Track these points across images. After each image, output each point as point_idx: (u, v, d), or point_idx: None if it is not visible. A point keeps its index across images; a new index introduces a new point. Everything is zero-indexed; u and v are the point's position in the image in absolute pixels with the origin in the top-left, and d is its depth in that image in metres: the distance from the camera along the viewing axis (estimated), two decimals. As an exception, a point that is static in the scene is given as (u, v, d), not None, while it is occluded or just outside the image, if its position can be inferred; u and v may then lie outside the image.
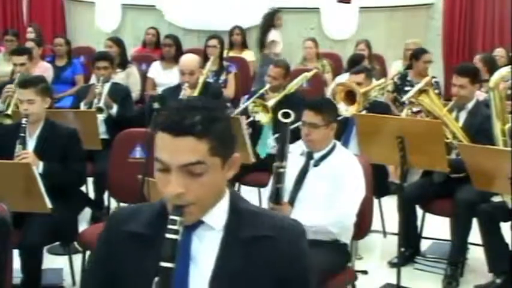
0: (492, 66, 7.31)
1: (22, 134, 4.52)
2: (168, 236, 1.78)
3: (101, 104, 5.99)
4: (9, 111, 5.65)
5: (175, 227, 1.78)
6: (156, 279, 1.77)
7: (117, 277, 1.95)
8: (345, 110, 5.52)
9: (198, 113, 1.79)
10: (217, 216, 1.90)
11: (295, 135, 4.22)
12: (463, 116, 5.17)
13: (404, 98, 5.70)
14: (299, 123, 4.16)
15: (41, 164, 4.46)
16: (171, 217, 1.80)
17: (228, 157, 1.86)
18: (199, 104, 1.84)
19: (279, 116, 3.91)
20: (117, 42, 8.09)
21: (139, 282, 1.89)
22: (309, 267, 2.00)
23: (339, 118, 4.37)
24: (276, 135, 5.37)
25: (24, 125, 4.54)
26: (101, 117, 5.89)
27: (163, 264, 1.76)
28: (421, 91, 5.22)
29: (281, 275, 1.89)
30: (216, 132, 1.80)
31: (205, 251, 1.89)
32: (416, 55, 7.56)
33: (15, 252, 3.94)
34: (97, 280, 2.02)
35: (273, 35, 9.63)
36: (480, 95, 6.06)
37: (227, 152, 1.86)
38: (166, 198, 1.84)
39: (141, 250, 1.91)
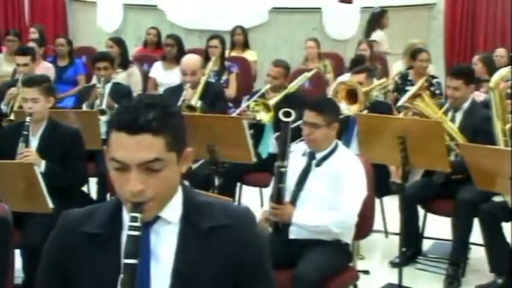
0: (492, 66, 7.32)
1: (25, 132, 4.53)
2: (129, 232, 1.81)
3: (103, 106, 5.99)
4: (12, 117, 5.67)
5: (136, 224, 1.81)
6: (121, 276, 1.79)
7: (72, 278, 1.96)
8: (347, 109, 5.53)
9: (151, 110, 1.81)
10: (173, 210, 1.93)
11: (297, 135, 4.21)
12: (459, 116, 5.19)
13: (400, 102, 5.72)
14: (300, 122, 4.16)
15: (43, 163, 4.48)
16: (132, 214, 1.82)
17: (182, 152, 1.90)
18: (152, 101, 1.85)
19: (280, 115, 3.91)
20: (118, 42, 8.07)
21: (97, 282, 1.90)
22: (264, 251, 2.02)
23: (341, 117, 4.37)
24: (278, 133, 5.36)
25: (27, 123, 4.55)
26: (103, 118, 5.90)
27: (127, 261, 1.79)
28: (415, 95, 5.24)
29: (238, 261, 1.93)
30: (171, 128, 1.83)
31: (164, 245, 1.91)
32: (413, 54, 7.62)
33: (17, 252, 3.95)
34: (51, 283, 2.03)
35: (376, 35, 9.73)
36: (479, 95, 6.06)
37: (181, 146, 1.89)
38: (124, 196, 1.85)
39: (97, 250, 1.92)
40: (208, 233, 1.91)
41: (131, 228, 1.81)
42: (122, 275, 1.79)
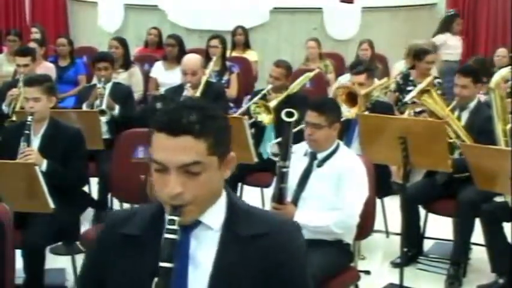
0: (485, 68, 7.30)
1: (27, 132, 4.53)
2: (166, 236, 1.79)
3: (103, 106, 5.99)
4: (14, 118, 5.67)
5: (174, 227, 1.79)
6: (156, 279, 1.77)
7: (111, 279, 1.95)
8: (347, 111, 5.52)
9: (194, 112, 1.79)
10: (215, 215, 1.90)
11: (299, 137, 4.22)
12: (465, 115, 5.19)
13: (407, 98, 5.70)
14: (302, 126, 4.16)
15: (44, 163, 4.47)
16: (170, 217, 1.80)
17: (224, 156, 1.86)
18: (196, 104, 1.84)
19: (282, 115, 3.90)
20: (123, 42, 8.08)
21: (133, 283, 1.89)
22: (301, 260, 1.96)
23: (341, 120, 4.36)
24: (277, 140, 5.34)
25: (29, 123, 4.55)
26: (104, 119, 5.90)
27: (163, 264, 1.77)
28: (423, 91, 5.22)
29: (275, 270, 1.88)
30: (213, 131, 1.80)
31: (203, 251, 1.89)
32: (419, 55, 7.56)
33: (18, 252, 3.95)
34: (91, 282, 2.02)
35: (439, 38, 9.42)
36: (481, 97, 6.05)
37: (224, 151, 1.86)
38: (163, 198, 1.83)
39: (136, 252, 1.91)
40: (247, 241, 1.88)
41: (168, 231, 1.79)
42: (156, 278, 1.78)
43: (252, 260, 1.87)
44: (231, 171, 1.92)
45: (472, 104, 5.19)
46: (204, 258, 1.88)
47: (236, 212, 1.92)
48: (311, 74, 7.22)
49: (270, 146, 5.54)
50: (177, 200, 1.79)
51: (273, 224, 1.94)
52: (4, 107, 6.17)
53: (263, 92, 6.14)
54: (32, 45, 8.18)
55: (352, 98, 5.62)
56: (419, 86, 5.39)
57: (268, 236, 1.89)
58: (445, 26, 9.79)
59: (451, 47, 9.58)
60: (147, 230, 1.92)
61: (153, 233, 1.90)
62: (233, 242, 1.88)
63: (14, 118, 5.68)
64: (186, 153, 1.77)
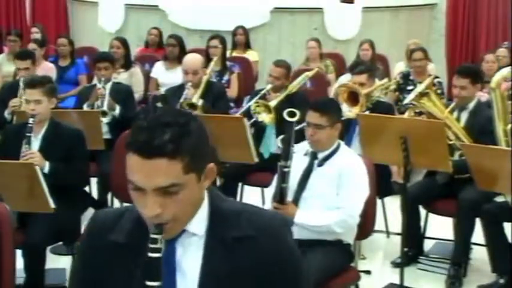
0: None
1: (28, 134, 4.52)
2: (150, 255, 1.73)
3: (104, 107, 5.98)
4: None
5: (156, 246, 1.74)
6: None
7: (99, 285, 1.91)
8: (348, 110, 5.52)
9: (167, 130, 1.71)
10: (198, 222, 1.85)
11: (300, 136, 4.22)
12: (464, 116, 5.17)
13: (406, 100, 5.70)
14: (303, 124, 4.16)
15: (47, 164, 4.47)
16: (152, 236, 1.75)
17: (202, 170, 1.80)
18: (168, 120, 1.74)
19: (284, 115, 3.91)
20: (124, 42, 8.08)
21: None
22: (294, 261, 1.91)
23: (342, 119, 4.37)
24: (282, 136, 5.33)
25: (30, 125, 4.54)
26: (105, 120, 5.89)
27: (149, 283, 1.72)
28: (422, 94, 5.23)
29: (266, 273, 1.84)
30: (188, 149, 1.73)
31: (190, 258, 1.84)
32: (410, 55, 7.74)
33: (18, 252, 3.95)
34: (83, 284, 1.97)
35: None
36: (483, 95, 6.06)
37: (201, 165, 1.79)
38: (143, 216, 1.78)
39: (122, 260, 1.86)
40: (233, 244, 1.83)
41: (152, 250, 1.73)
42: None
43: (239, 264, 1.82)
44: (211, 180, 1.86)
45: (471, 105, 5.18)
46: (191, 265, 1.84)
47: (220, 215, 1.87)
48: (310, 73, 7.22)
49: (279, 141, 5.50)
50: (157, 219, 1.75)
51: (259, 225, 1.86)
52: (7, 116, 6.15)
53: (263, 91, 6.14)
54: (32, 45, 8.19)
55: (353, 98, 5.62)
56: (418, 89, 5.39)
57: (254, 239, 1.83)
58: None
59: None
60: (132, 237, 1.86)
61: (138, 240, 1.83)
62: (218, 247, 1.83)
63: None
64: (162, 176, 1.70)
